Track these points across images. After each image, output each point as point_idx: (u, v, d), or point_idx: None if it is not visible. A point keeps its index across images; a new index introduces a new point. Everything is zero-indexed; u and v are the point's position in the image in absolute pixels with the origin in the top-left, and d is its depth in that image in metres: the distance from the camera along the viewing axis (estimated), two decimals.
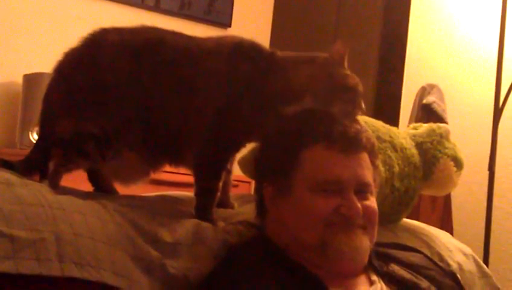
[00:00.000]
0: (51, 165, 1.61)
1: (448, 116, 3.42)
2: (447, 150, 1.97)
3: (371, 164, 1.59)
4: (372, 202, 1.56)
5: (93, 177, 1.75)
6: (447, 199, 3.36)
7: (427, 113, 3.39)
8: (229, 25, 4.24)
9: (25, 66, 3.48)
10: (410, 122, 3.38)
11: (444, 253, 1.95)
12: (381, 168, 1.79)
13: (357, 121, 1.61)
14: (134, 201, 1.66)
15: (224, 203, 1.77)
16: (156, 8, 4.00)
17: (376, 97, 4.07)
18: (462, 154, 2.00)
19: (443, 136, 1.99)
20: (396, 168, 1.89)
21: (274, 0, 4.46)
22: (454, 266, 1.91)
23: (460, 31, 3.72)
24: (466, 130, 3.57)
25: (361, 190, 1.54)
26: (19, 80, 3.42)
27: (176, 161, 1.71)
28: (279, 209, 1.58)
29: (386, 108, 3.93)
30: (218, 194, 1.68)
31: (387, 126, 1.98)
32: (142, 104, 1.62)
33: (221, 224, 1.66)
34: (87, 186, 1.75)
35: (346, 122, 1.58)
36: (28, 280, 1.34)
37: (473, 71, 3.66)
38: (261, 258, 1.52)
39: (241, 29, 4.13)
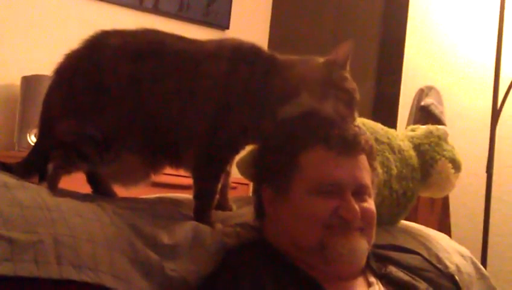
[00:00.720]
0: (50, 167, 1.61)
1: (446, 118, 3.42)
2: (445, 152, 1.97)
3: (369, 166, 1.59)
4: (370, 204, 1.57)
5: (92, 180, 1.75)
6: (445, 200, 3.36)
7: (425, 115, 3.39)
8: (227, 27, 4.24)
9: (23, 68, 3.48)
10: (408, 124, 3.38)
11: (442, 255, 1.95)
12: (380, 170, 1.79)
13: (355, 124, 1.62)
14: (133, 203, 1.66)
15: (223, 206, 1.77)
16: (155, 10, 4.00)
17: (374, 99, 4.07)
18: (460, 156, 2.00)
19: (441, 138, 2.00)
20: (395, 170, 1.89)
21: (272, 3, 4.46)
22: (452, 268, 1.91)
23: (458, 33, 3.72)
24: (464, 132, 3.57)
25: (360, 192, 1.54)
26: (17, 82, 3.41)
27: (176, 163, 1.71)
28: (277, 212, 1.58)
29: (384, 110, 3.93)
30: (217, 196, 1.68)
31: (385, 128, 1.98)
32: (142, 106, 1.62)
33: (219, 226, 1.66)
34: (86, 189, 1.75)
35: (344, 124, 1.58)
36: (26, 283, 1.33)
37: (471, 73, 3.66)
38: (260, 260, 1.52)
39: (239, 31, 4.13)
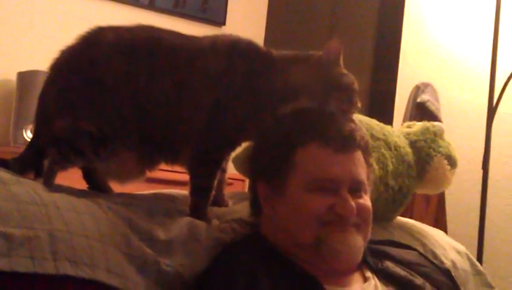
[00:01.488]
0: (46, 163, 1.61)
1: (442, 114, 3.42)
2: (441, 149, 1.97)
3: (365, 162, 1.59)
4: (366, 200, 1.57)
5: (88, 176, 1.75)
6: (441, 197, 3.37)
7: (421, 111, 3.40)
8: (224, 23, 4.24)
9: (19, 63, 3.47)
10: (404, 120, 3.38)
11: (438, 251, 1.95)
12: (375, 166, 1.80)
13: (351, 120, 1.62)
14: (128, 199, 1.66)
15: (219, 201, 1.77)
16: (151, 6, 4.00)
17: (370, 96, 4.07)
18: (456, 153, 2.01)
19: (437, 135, 2.00)
20: (390, 167, 1.89)
21: None
22: (448, 264, 1.92)
23: (454, 29, 3.72)
24: (460, 129, 3.57)
25: (355, 188, 1.55)
26: (13, 77, 3.41)
27: (172, 159, 1.71)
28: (273, 208, 1.58)
29: (380, 106, 3.93)
30: (213, 192, 1.68)
31: (381, 124, 1.98)
32: (138, 102, 1.62)
33: (215, 222, 1.67)
34: (82, 185, 1.75)
35: (340, 120, 1.58)
36: (22, 278, 1.34)
37: (467, 70, 3.67)
38: (256, 256, 1.52)
39: (235, 28, 4.12)
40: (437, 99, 3.45)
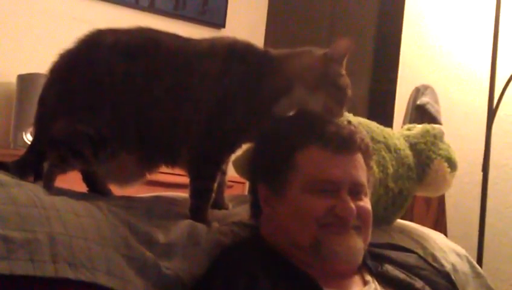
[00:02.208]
0: (46, 166, 1.61)
1: (442, 117, 3.42)
2: (441, 151, 1.97)
3: (365, 165, 1.59)
4: (366, 202, 1.57)
5: (87, 178, 1.75)
6: (441, 199, 3.36)
7: (421, 114, 3.39)
8: (223, 26, 4.24)
9: (19, 66, 3.48)
10: (404, 123, 3.38)
11: (438, 254, 1.95)
12: (375, 169, 1.80)
13: (351, 122, 1.62)
14: (128, 202, 1.66)
15: (219, 204, 1.77)
16: (150, 8, 4.00)
17: (370, 98, 4.07)
18: (456, 155, 2.00)
19: (437, 137, 2.00)
20: (391, 169, 1.89)
21: (268, 1, 4.46)
22: (448, 267, 1.92)
23: (455, 32, 3.72)
24: (460, 131, 3.57)
25: (355, 191, 1.55)
26: (13, 80, 3.41)
27: (172, 161, 1.71)
28: (273, 210, 1.58)
29: (380, 109, 3.93)
30: (213, 195, 1.68)
31: (381, 127, 1.98)
32: (137, 105, 1.62)
33: (215, 225, 1.66)
34: (82, 187, 1.75)
35: (341, 123, 1.58)
36: (22, 281, 1.33)
37: (467, 72, 3.66)
38: (256, 258, 1.52)
39: (235, 30, 4.13)
40: (437, 102, 3.45)
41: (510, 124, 3.48)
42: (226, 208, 1.79)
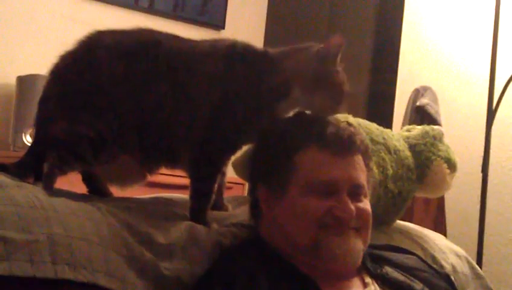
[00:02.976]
0: (45, 168, 1.61)
1: (442, 118, 3.42)
2: (440, 152, 1.97)
3: (365, 166, 1.59)
4: (366, 204, 1.57)
5: (87, 179, 1.75)
6: (441, 200, 3.36)
7: (420, 115, 3.39)
8: (223, 27, 4.24)
9: (19, 67, 3.48)
10: (403, 124, 3.38)
11: (438, 255, 1.95)
12: (375, 170, 1.80)
13: (350, 123, 1.62)
14: (128, 203, 1.66)
15: (218, 205, 1.77)
16: (150, 9, 4.00)
17: (369, 99, 4.07)
18: (456, 156, 2.00)
19: (436, 138, 2.00)
20: (390, 170, 1.89)
21: (268, 2, 4.46)
22: (448, 268, 1.92)
23: (454, 33, 3.72)
24: (459, 132, 3.57)
25: (355, 192, 1.54)
26: (13, 81, 3.41)
27: (172, 163, 1.71)
28: (273, 211, 1.58)
29: (380, 110, 3.94)
30: (213, 196, 1.68)
31: (381, 128, 1.98)
32: (137, 106, 1.62)
33: (215, 226, 1.66)
34: (82, 188, 1.75)
35: (341, 124, 1.58)
36: (22, 282, 1.33)
37: (466, 73, 3.66)
38: (255, 259, 1.52)
39: (234, 31, 4.13)
40: (436, 103, 3.45)
41: (509, 125, 3.48)
42: (226, 210, 1.79)
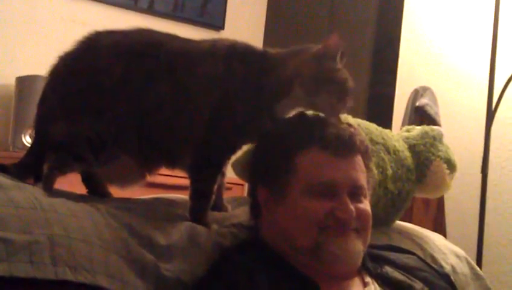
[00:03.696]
0: (45, 168, 1.61)
1: (441, 118, 3.42)
2: (440, 153, 1.97)
3: (365, 167, 1.59)
4: (366, 204, 1.57)
5: (87, 180, 1.75)
6: (440, 201, 3.36)
7: (420, 115, 3.40)
8: (222, 27, 4.24)
9: (18, 68, 3.48)
10: (403, 124, 3.38)
11: (438, 255, 1.95)
12: (375, 170, 1.79)
13: (339, 119, 1.61)
14: (128, 204, 1.66)
15: (218, 206, 1.77)
16: (150, 10, 4.00)
17: (369, 99, 4.08)
18: (455, 157, 2.00)
19: (436, 139, 2.00)
20: (390, 171, 1.89)
21: (267, 3, 4.46)
22: (447, 268, 1.92)
23: (453, 33, 3.72)
24: (459, 133, 3.57)
25: (355, 193, 1.54)
26: (12, 82, 3.41)
27: (172, 163, 1.71)
28: (273, 212, 1.58)
29: (379, 110, 3.94)
30: (213, 197, 1.68)
31: (380, 129, 1.98)
32: (137, 107, 1.62)
33: (215, 227, 1.66)
34: (82, 189, 1.74)
35: (340, 125, 1.58)
36: (22, 283, 1.33)
37: (466, 74, 3.66)
38: (255, 260, 1.52)
39: (234, 32, 4.13)
40: (436, 103, 3.45)
41: (509, 125, 3.48)
42: (225, 210, 1.79)
